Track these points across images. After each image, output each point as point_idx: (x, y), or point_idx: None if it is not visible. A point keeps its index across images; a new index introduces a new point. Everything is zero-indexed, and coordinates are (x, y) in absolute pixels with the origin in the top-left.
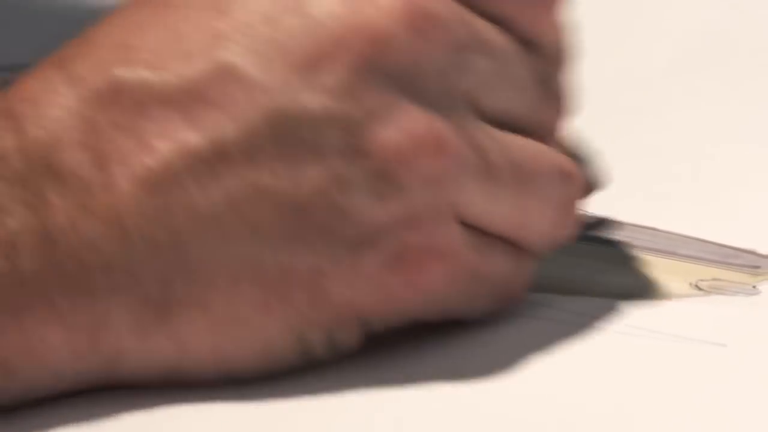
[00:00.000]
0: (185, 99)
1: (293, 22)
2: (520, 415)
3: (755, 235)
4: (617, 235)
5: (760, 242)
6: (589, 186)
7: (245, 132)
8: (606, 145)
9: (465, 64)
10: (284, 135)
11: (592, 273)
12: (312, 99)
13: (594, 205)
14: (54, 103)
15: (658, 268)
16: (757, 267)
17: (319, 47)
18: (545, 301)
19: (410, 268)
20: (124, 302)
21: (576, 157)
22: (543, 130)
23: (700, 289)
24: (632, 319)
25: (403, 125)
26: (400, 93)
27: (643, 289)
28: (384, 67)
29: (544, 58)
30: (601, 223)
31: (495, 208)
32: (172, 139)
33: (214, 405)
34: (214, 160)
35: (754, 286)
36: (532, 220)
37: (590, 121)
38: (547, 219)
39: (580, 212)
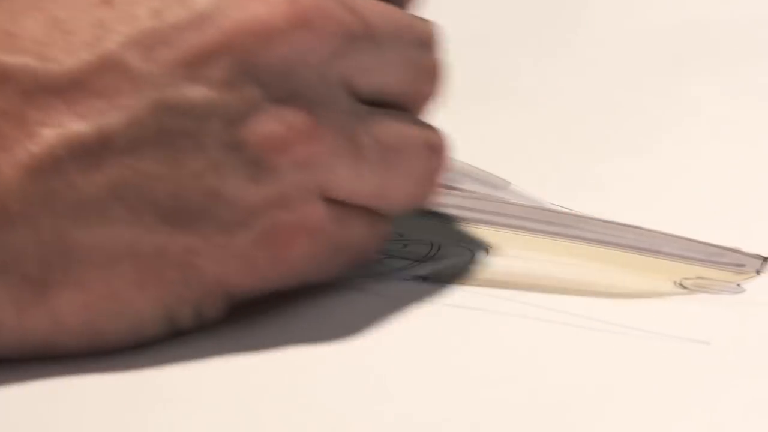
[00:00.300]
0: (70, 88)
1: (180, 14)
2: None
3: (740, 234)
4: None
5: (745, 241)
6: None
7: (129, 121)
8: (591, 144)
9: (347, 53)
10: (166, 124)
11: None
12: (195, 91)
13: (580, 204)
14: None
15: (642, 266)
16: (742, 265)
17: (204, 41)
18: (523, 299)
19: (280, 245)
20: (3, 281)
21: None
22: (415, 105)
23: (684, 287)
24: (617, 317)
25: (281, 116)
26: (280, 86)
27: (626, 287)
28: (267, 61)
29: (416, 37)
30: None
31: (359, 184)
32: (57, 127)
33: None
34: (97, 148)
35: (738, 285)
36: (395, 193)
37: (576, 120)
38: (409, 191)
39: (443, 180)
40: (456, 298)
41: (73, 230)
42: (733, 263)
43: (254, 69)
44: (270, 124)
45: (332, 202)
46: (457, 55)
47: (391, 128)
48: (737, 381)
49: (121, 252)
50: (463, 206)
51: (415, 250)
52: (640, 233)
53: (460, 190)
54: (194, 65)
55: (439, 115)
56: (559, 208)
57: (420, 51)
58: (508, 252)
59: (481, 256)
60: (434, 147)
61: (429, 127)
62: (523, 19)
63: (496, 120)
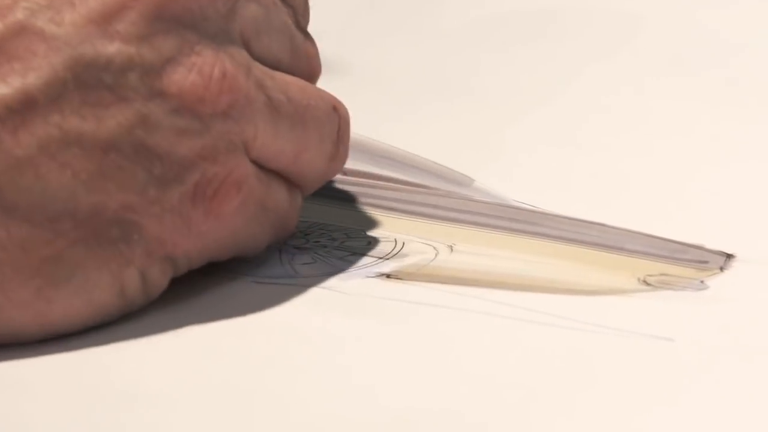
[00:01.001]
0: None
1: None
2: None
3: (703, 231)
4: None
5: (708, 237)
6: None
7: (48, 80)
8: (555, 142)
9: (238, 8)
10: (86, 80)
11: None
12: (109, 45)
13: (543, 201)
14: None
15: (605, 263)
16: (705, 262)
17: None
18: (486, 296)
19: (211, 198)
20: None
21: None
22: (307, 72)
23: (648, 284)
24: (581, 314)
25: (196, 65)
26: (190, 35)
27: (590, 284)
28: (173, 12)
29: (292, 7)
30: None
31: (277, 143)
32: None
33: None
34: (21, 108)
35: (702, 281)
36: (308, 155)
37: (540, 117)
38: (321, 153)
39: (348, 147)
40: (420, 295)
41: (9, 192)
42: (696, 260)
43: (162, 20)
44: (188, 74)
45: (254, 163)
46: (421, 52)
47: (296, 86)
48: (701, 378)
49: (60, 210)
50: (427, 203)
51: (378, 247)
52: (604, 230)
53: (424, 187)
54: (104, 22)
55: (404, 111)
56: (523, 205)
57: (297, 24)
58: (472, 249)
59: (444, 253)
60: (338, 108)
61: (328, 92)
62: (484, 16)
63: (460, 117)
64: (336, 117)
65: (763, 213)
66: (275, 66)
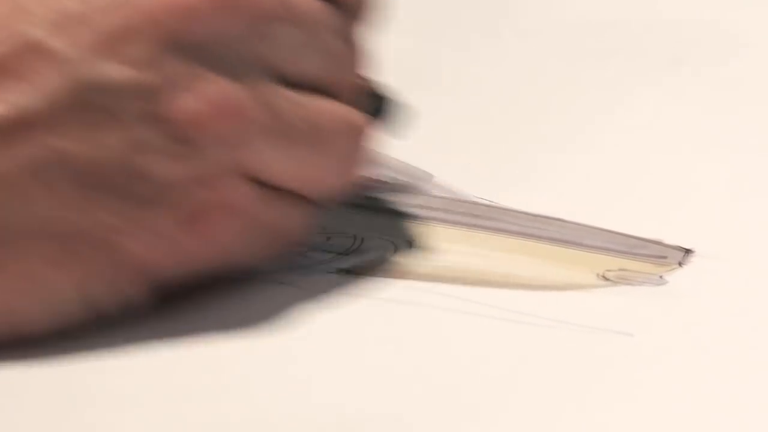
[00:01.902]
0: None
1: None
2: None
3: (661, 226)
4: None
5: (667, 233)
6: (382, 118)
7: (48, 101)
8: (514, 137)
9: (268, 34)
10: (86, 103)
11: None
12: (114, 69)
13: (503, 197)
14: None
15: (564, 258)
16: (664, 257)
17: (125, 21)
18: (446, 291)
19: (202, 224)
20: None
21: (377, 102)
22: (338, 87)
23: (607, 279)
24: (540, 309)
25: (202, 93)
26: (201, 63)
27: (549, 279)
28: (188, 40)
29: (343, 14)
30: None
31: (284, 165)
32: None
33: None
34: (17, 128)
35: (660, 277)
36: (318, 173)
37: (499, 113)
38: (333, 171)
39: (366, 162)
40: (379, 290)
41: None
42: (655, 255)
43: (175, 47)
44: (191, 101)
45: (258, 182)
46: (378, 46)
47: (313, 107)
48: (660, 372)
49: (40, 231)
50: (387, 199)
51: (338, 243)
52: (563, 225)
53: (384, 182)
54: (114, 45)
55: None
56: (483, 201)
57: (341, 38)
58: (432, 245)
59: (404, 248)
60: (357, 128)
61: (351, 109)
62: (446, 10)
63: (419, 112)
64: (353, 137)
65: (722, 208)
66: (308, 83)
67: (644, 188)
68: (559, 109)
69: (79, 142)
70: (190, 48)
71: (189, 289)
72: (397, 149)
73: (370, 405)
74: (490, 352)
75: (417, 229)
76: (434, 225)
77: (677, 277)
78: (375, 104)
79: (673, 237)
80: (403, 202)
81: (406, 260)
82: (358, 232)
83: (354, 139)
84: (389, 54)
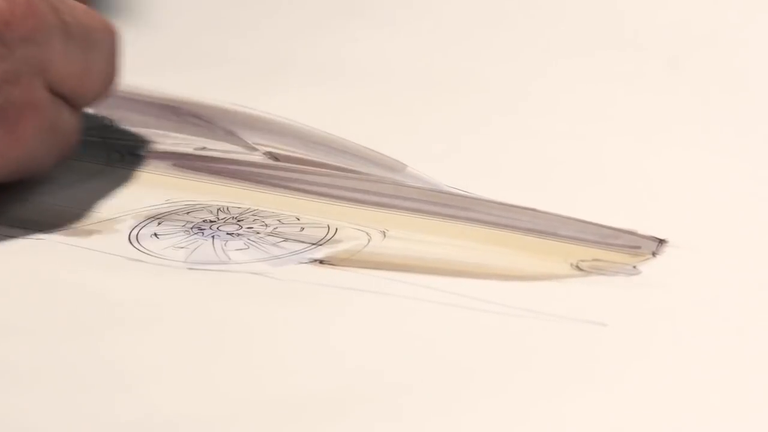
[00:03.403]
0: None
1: None
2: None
3: (635, 216)
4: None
5: (640, 223)
6: None
7: None
8: (486, 126)
9: None
10: None
11: None
12: None
13: (475, 187)
14: None
15: (537, 248)
16: (638, 247)
17: None
18: (418, 281)
19: (11, 120)
20: None
21: None
22: None
23: (580, 269)
24: (513, 300)
25: None
26: None
27: (522, 269)
28: None
29: None
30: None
31: (68, 66)
32: None
33: None
34: None
35: (634, 267)
36: (92, 76)
37: (472, 102)
38: (102, 73)
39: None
40: (353, 281)
41: None
42: (628, 245)
43: None
44: None
45: (47, 88)
46: (352, 37)
47: (82, 10)
48: (633, 362)
49: None
50: (360, 189)
51: (311, 233)
52: (536, 215)
53: (356, 172)
54: None
55: (334, 97)
56: (455, 191)
57: None
58: (405, 235)
59: (377, 239)
60: (113, 29)
61: (101, 15)
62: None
63: (391, 102)
64: (113, 38)
65: (696, 198)
66: None
67: (618, 178)
68: (531, 97)
69: None
70: None
71: (161, 279)
72: (369, 138)
73: (341, 396)
74: (462, 342)
75: (390, 220)
76: (407, 215)
77: (651, 268)
78: None
79: (646, 227)
80: (375, 191)
81: (379, 250)
82: (332, 222)
83: (113, 40)
84: (363, 43)
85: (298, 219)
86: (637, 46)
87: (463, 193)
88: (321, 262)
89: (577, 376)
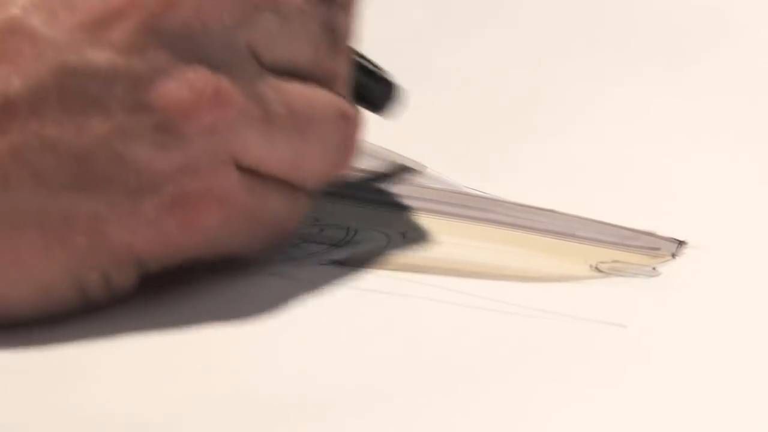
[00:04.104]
0: None
1: None
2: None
3: (654, 217)
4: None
5: (659, 224)
6: (383, 102)
7: (31, 86)
8: (506, 128)
9: (251, 21)
10: (70, 88)
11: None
12: (99, 54)
13: (495, 188)
14: None
15: (557, 250)
16: (657, 249)
17: (109, 4)
18: (438, 283)
19: (187, 211)
20: None
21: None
22: (327, 76)
23: (600, 271)
24: (533, 301)
25: (186, 80)
26: (185, 50)
27: (542, 271)
28: (171, 26)
29: (331, 6)
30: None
31: (272, 154)
32: None
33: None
34: None
35: (653, 268)
36: (308, 162)
37: (491, 103)
38: (324, 160)
39: (358, 151)
40: (372, 282)
41: None
42: (648, 246)
43: (159, 32)
44: (176, 88)
45: (246, 171)
46: (369, 37)
47: (301, 95)
48: (653, 364)
49: (26, 218)
50: (380, 190)
51: (331, 234)
52: (556, 217)
53: (377, 173)
54: (98, 29)
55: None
56: (475, 192)
57: (327, 27)
58: (424, 236)
59: (397, 240)
60: (347, 116)
61: (340, 97)
62: (437, 1)
63: (412, 104)
64: (343, 124)
65: (715, 200)
66: (290, 72)
67: (637, 179)
68: (550, 99)
69: (62, 128)
70: (173, 34)
71: (179, 277)
72: (388, 140)
73: (363, 395)
74: (482, 343)
75: (410, 221)
76: (426, 216)
77: (670, 269)
78: (370, 87)
79: (666, 228)
80: (395, 193)
81: (398, 252)
82: (352, 224)
83: (343, 126)
84: (381, 45)
85: (318, 220)
86: (653, 45)
87: (482, 194)
88: (341, 263)
89: (597, 377)
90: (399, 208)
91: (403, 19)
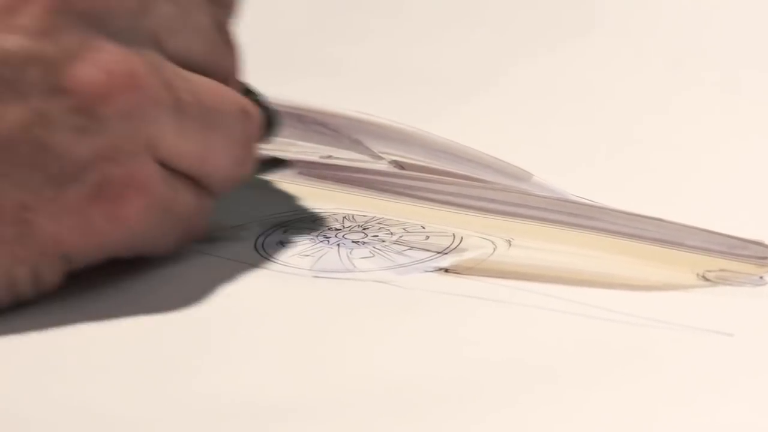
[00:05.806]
0: None
1: None
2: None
3: (762, 226)
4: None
5: (767, 233)
6: (266, 127)
7: None
8: (614, 136)
9: (150, 7)
10: None
11: None
12: (9, 40)
13: (602, 196)
14: None
15: (664, 258)
16: (764, 258)
17: None
18: (544, 291)
19: (111, 200)
20: None
21: (254, 99)
22: (222, 73)
23: (707, 279)
24: (640, 310)
25: (99, 62)
26: (95, 31)
27: (649, 279)
28: (78, 7)
29: (219, 6)
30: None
31: (183, 144)
32: None
33: None
34: None
35: (761, 277)
36: (216, 157)
37: (598, 111)
38: (229, 156)
39: (259, 152)
40: (477, 289)
41: None
42: (755, 255)
43: (67, 15)
44: (90, 70)
45: (160, 164)
46: (472, 46)
47: (207, 87)
48: (760, 373)
49: None
50: (485, 198)
51: (436, 241)
52: (663, 225)
53: (482, 181)
54: (6, 15)
55: (458, 104)
56: (582, 200)
57: (218, 26)
58: (530, 244)
59: (502, 248)
60: (248, 113)
61: (242, 96)
62: (539, 9)
63: (517, 110)
64: (246, 121)
65: None
66: (189, 66)
67: (745, 188)
68: (657, 106)
69: None
70: (81, 16)
71: (287, 288)
72: (496, 148)
73: (464, 402)
74: (590, 351)
75: (515, 228)
76: (532, 224)
77: None
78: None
79: None
80: (501, 200)
81: (504, 259)
82: (457, 231)
83: (246, 123)
84: (484, 54)
85: (424, 227)
86: (754, 60)
87: (589, 202)
88: (446, 270)
89: (704, 386)
90: (505, 215)
91: (504, 27)
